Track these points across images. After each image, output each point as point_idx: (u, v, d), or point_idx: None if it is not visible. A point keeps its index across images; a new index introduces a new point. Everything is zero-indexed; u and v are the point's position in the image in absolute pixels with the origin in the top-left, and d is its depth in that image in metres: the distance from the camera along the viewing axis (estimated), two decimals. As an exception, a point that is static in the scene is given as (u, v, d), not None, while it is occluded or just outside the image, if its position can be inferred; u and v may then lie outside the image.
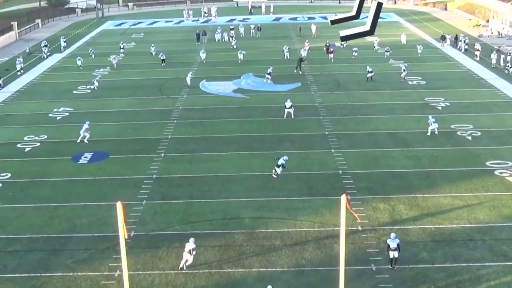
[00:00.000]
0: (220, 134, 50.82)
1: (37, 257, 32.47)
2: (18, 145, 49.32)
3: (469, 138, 48.70)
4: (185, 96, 62.34)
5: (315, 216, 36.19)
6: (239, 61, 75.54)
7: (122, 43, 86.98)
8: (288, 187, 40.42)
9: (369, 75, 65.53)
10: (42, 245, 33.67)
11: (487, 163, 43.72)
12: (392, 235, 30.78)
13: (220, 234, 34.47)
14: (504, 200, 37.99)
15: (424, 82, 65.55)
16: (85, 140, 49.07)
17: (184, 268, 30.62)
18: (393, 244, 30.32)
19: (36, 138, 50.89)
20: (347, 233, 28.51)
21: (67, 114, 57.53)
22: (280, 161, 41.21)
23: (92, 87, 66.30)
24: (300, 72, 70.61)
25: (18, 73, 74.12)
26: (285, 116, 53.83)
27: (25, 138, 50.80)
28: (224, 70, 72.91)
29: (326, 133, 50.54)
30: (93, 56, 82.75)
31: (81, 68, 73.23)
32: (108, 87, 66.45)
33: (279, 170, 41.08)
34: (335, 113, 55.31)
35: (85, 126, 49.63)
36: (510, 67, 69.67)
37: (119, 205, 24.93)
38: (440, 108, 56.30)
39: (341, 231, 25.36)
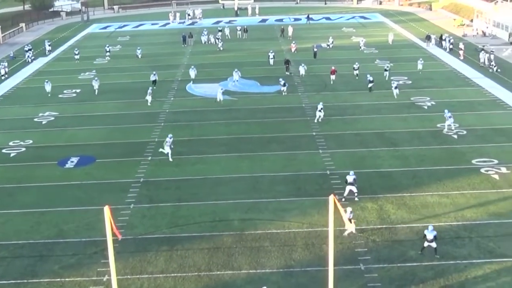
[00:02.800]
0: (208, 136, 50.80)
1: (24, 263, 32.30)
2: (3, 150, 49.10)
3: (455, 136, 48.88)
4: (172, 99, 62.28)
5: (304, 217, 36.21)
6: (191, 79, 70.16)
7: (107, 46, 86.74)
8: (276, 188, 40.44)
9: (370, 85, 62.55)
10: (29, 251, 33.50)
11: (473, 161, 43.90)
12: (430, 227, 31.41)
13: (209, 236, 34.42)
14: (490, 197, 38.16)
15: (410, 82, 65.74)
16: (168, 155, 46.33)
17: None
18: (429, 235, 31.04)
19: (22, 143, 50.67)
20: (335, 233, 28.55)
21: (53, 118, 57.33)
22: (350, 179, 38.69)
23: (79, 90, 66.14)
24: (288, 73, 70.69)
25: (3, 77, 73.88)
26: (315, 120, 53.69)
27: (10, 143, 50.57)
28: (210, 72, 72.86)
29: (314, 133, 50.59)
30: (77, 61, 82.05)
31: (49, 95, 65.04)
32: (94, 90, 66.25)
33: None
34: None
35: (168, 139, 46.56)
36: (494, 66, 70.00)
37: (106, 210, 24.88)
38: (426, 107, 56.49)
39: (330, 232, 25.40)
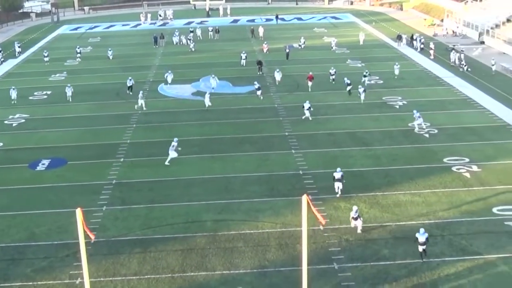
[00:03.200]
0: (180, 137, 50.51)
1: (-4, 267, 32.08)
2: (-25, 153, 48.68)
3: (427, 135, 49.18)
4: (143, 100, 61.93)
5: (277, 217, 36.25)
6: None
7: (78, 48, 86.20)
8: (249, 188, 40.44)
9: (348, 88, 61.03)
10: (0, 255, 33.17)
11: (445, 160, 44.21)
12: (421, 230, 31.21)
13: (182, 238, 34.34)
14: (461, 195, 38.47)
15: (382, 82, 66.05)
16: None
17: None
18: (421, 238, 30.89)
19: (-8, 145, 50.29)
20: (309, 233, 28.55)
21: (23, 120, 56.82)
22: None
23: (49, 92, 65.75)
24: (260, 73, 70.74)
25: (-27, 80, 73.19)
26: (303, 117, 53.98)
27: (-19, 146, 50.16)
28: (182, 73, 72.66)
29: (286, 134, 50.67)
30: (47, 63, 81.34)
31: (14, 102, 62.29)
32: (65, 92, 65.73)
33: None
34: (294, 114, 55.41)
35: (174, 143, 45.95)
36: (465, 65, 70.55)
37: (78, 212, 24.72)
38: (397, 107, 56.79)
39: (303, 231, 25.43)
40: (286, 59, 78.08)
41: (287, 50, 79.34)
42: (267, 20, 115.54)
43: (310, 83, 63.63)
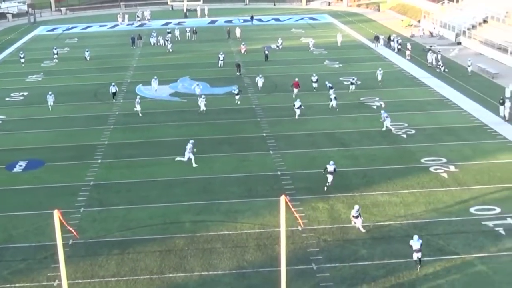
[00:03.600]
0: (158, 138, 50.57)
1: (-27, 269, 31.84)
2: (-49, 155, 48.27)
3: (404, 136, 49.42)
4: (121, 101, 61.81)
5: (256, 218, 36.26)
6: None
7: (55, 49, 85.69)
8: (227, 189, 40.43)
9: (331, 91, 58.98)
10: (-22, 257, 33.03)
11: (422, 160, 44.44)
12: (415, 237, 30.59)
13: (161, 239, 34.26)
14: (439, 195, 38.68)
15: (359, 82, 66.20)
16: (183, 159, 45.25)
17: None
18: (416, 245, 30.25)
19: (-31, 147, 49.90)
20: (287, 234, 28.61)
21: (0, 122, 56.47)
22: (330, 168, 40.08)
23: (26, 93, 65.40)
24: (238, 74, 70.77)
25: (-51, 81, 72.55)
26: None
27: (-42, 148, 49.77)
28: (160, 74, 72.49)
29: (264, 134, 50.70)
30: (23, 64, 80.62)
31: None
32: (42, 93, 65.42)
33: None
34: (272, 115, 55.51)
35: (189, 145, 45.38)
36: (442, 66, 70.98)
37: (56, 214, 24.60)
38: (375, 107, 56.94)
39: (282, 232, 25.46)
40: (265, 61, 77.93)
41: (266, 52, 79.31)
42: (245, 21, 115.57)
43: (295, 90, 61.10)
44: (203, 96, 58.24)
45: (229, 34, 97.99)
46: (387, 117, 50.35)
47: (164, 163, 45.28)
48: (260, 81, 64.79)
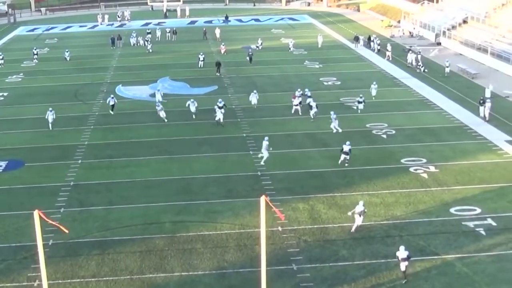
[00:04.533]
0: (138, 139, 50.44)
1: (-48, 270, 31.61)
2: None
3: (384, 136, 49.60)
4: (101, 101, 61.59)
5: (236, 218, 36.26)
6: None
7: (35, 49, 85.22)
8: (207, 190, 40.40)
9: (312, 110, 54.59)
10: (-44, 258, 32.80)
11: (402, 161, 44.60)
12: (401, 248, 29.99)
13: (141, 239, 34.18)
14: (419, 196, 38.82)
15: (339, 83, 66.44)
16: None
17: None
18: (403, 254, 29.66)
19: None
20: (267, 234, 28.64)
21: (-20, 122, 56.21)
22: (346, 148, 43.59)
23: (6, 94, 65.01)
24: (218, 74, 70.76)
25: None
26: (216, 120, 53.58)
27: None
28: (140, 75, 72.42)
29: (244, 135, 50.70)
30: (2, 66, 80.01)
31: None
32: (22, 94, 65.18)
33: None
34: (252, 115, 55.54)
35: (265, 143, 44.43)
36: (422, 66, 71.32)
37: (36, 214, 24.49)
38: (355, 107, 57.01)
39: (262, 232, 25.48)
40: (249, 62, 77.34)
41: (250, 53, 78.85)
42: (224, 21, 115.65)
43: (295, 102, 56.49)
44: (193, 101, 56.28)
45: (205, 34, 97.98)
46: (335, 119, 50.27)
47: (144, 163, 45.20)
48: (254, 98, 58.60)
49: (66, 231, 29.35)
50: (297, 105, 55.03)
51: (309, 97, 56.76)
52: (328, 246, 32.91)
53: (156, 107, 55.57)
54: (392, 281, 29.64)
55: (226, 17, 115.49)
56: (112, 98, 58.22)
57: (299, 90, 58.26)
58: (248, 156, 46.17)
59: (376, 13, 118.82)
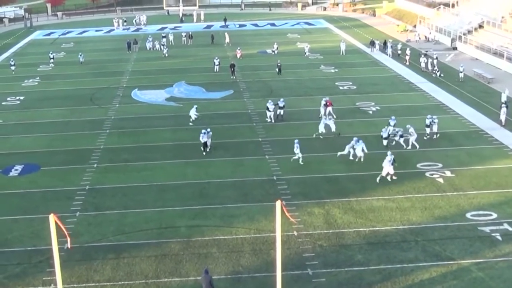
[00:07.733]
0: (154, 143, 50.51)
1: (-32, 273, 31.73)
2: None
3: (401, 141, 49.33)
4: (117, 105, 61.81)
5: (251, 223, 36.22)
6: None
7: (51, 53, 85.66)
8: (223, 194, 40.39)
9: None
10: (-27, 261, 32.93)
11: (418, 165, 44.43)
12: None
13: (156, 243, 34.20)
14: (435, 201, 38.66)
15: (355, 87, 66.31)
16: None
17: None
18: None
19: (-35, 151, 49.75)
20: (283, 239, 28.58)
21: (-4, 126, 56.48)
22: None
23: (22, 98, 65.31)
24: (233, 78, 70.84)
25: None
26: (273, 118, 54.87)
27: (-47, 152, 49.62)
28: (156, 79, 72.58)
29: (260, 139, 50.68)
30: (13, 71, 79.38)
31: None
32: (38, 98, 65.48)
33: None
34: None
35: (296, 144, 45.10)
36: (438, 71, 71.08)
37: (51, 218, 24.55)
38: (371, 112, 56.96)
39: (277, 237, 25.45)
40: (278, 74, 73.78)
41: (279, 64, 74.77)
42: (240, 26, 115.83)
43: (329, 109, 55.46)
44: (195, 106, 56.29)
45: (213, 39, 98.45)
46: (330, 119, 50.23)
47: (159, 167, 45.24)
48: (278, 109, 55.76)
49: (69, 246, 29.51)
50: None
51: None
52: (343, 251, 32.82)
53: (202, 134, 48.11)
54: (408, 287, 29.51)
55: (225, 21, 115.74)
56: (205, 133, 48.29)
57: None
58: (263, 160, 46.15)
59: (392, 17, 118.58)
